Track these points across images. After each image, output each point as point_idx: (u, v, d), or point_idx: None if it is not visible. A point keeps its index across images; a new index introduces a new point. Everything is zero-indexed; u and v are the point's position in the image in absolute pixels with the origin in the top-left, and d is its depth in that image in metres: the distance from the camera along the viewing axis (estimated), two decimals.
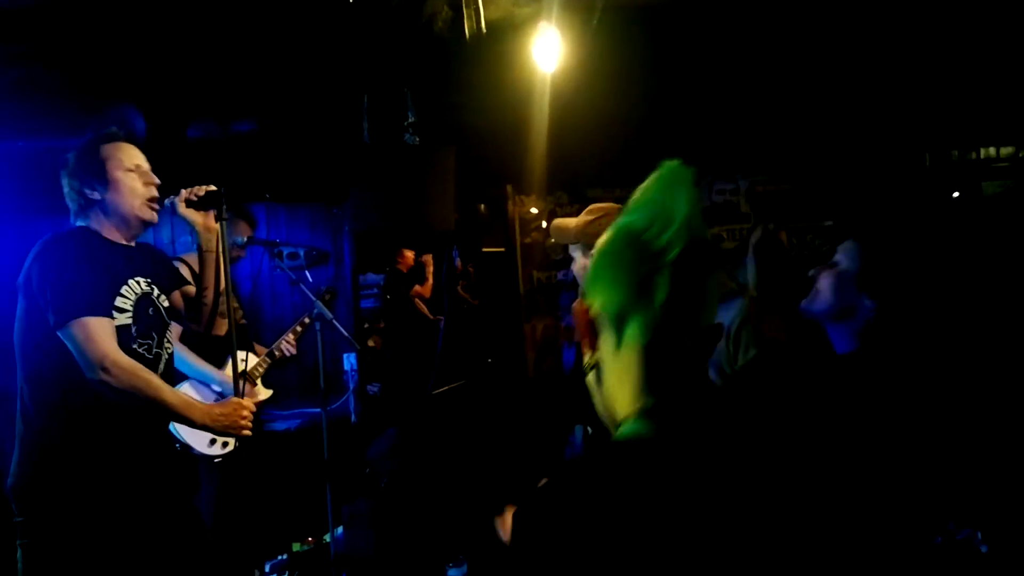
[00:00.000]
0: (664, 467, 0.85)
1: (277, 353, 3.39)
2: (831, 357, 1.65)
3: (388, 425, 4.06)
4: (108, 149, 2.09)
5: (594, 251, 0.97)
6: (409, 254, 5.78)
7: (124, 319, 2.03)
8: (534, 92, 3.83)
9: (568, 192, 6.27)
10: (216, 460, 3.04)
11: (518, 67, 3.62)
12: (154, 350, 2.11)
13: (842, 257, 1.65)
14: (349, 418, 4.53)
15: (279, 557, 3.66)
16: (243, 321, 3.43)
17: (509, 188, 6.19)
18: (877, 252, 1.61)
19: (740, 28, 3.75)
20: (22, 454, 1.98)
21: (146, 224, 2.15)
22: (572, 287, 5.67)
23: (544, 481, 0.92)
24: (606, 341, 0.95)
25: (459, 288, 5.93)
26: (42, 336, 1.93)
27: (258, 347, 3.46)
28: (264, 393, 3.40)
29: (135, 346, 2.04)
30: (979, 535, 1.43)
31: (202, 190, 2.22)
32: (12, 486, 1.96)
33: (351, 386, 4.54)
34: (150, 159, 2.19)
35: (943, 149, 6.11)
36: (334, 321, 3.36)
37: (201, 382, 3.13)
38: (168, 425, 2.27)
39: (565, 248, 2.17)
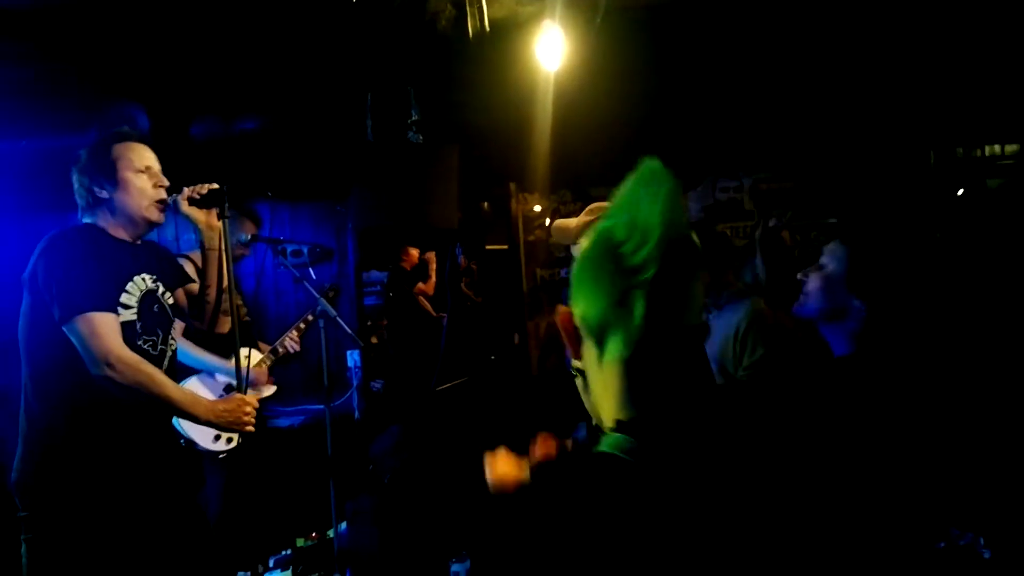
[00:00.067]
0: (642, 488, 0.83)
1: (281, 350, 3.40)
2: (829, 361, 1.65)
3: (391, 422, 4.07)
4: (120, 149, 2.10)
5: (576, 256, 0.96)
6: (413, 251, 5.78)
7: (129, 315, 2.03)
8: (537, 90, 3.83)
9: (571, 190, 6.27)
10: (220, 456, 3.05)
11: (521, 65, 3.62)
12: (159, 346, 2.12)
13: (829, 259, 1.63)
14: (353, 415, 4.55)
15: (283, 552, 3.67)
16: (247, 318, 3.45)
17: (512, 186, 6.18)
18: (863, 253, 1.59)
19: (743, 26, 3.75)
20: (26, 449, 1.98)
21: (152, 225, 2.16)
22: None
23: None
24: (589, 351, 0.94)
25: (462, 285, 5.93)
26: (47, 331, 1.94)
27: (262, 344, 3.48)
28: (268, 389, 3.42)
29: (140, 342, 2.05)
30: (981, 540, 1.42)
31: (204, 188, 2.23)
32: (16, 481, 1.97)
33: (355, 383, 4.56)
34: None
35: (947, 146, 6.09)
36: (338, 318, 3.37)
37: (208, 374, 3.15)
38: (172, 421, 2.28)
39: (567, 247, 2.17)
